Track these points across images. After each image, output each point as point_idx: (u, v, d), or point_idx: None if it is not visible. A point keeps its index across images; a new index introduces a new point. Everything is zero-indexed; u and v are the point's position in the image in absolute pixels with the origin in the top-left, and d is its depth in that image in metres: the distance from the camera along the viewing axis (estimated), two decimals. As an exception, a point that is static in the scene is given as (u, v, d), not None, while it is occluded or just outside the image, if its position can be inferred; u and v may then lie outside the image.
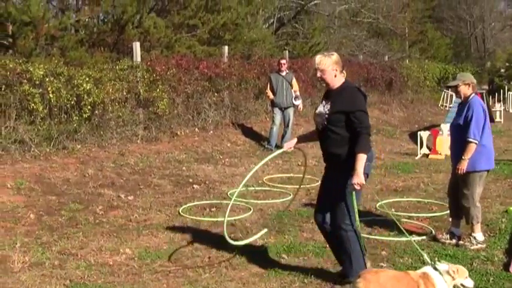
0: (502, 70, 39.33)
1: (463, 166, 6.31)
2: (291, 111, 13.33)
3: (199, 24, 15.84)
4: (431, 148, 13.39)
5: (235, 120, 14.45)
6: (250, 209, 8.03)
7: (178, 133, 12.72)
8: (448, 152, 12.99)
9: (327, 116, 5.08)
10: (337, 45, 26.26)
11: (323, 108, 5.15)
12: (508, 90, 30.62)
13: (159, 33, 14.22)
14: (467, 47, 56.92)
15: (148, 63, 12.33)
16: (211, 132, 13.47)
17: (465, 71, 38.93)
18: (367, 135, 4.96)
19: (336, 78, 5.11)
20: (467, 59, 50.10)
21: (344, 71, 5.19)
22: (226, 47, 15.22)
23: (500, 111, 23.06)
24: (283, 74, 13.24)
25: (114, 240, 6.66)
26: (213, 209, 8.15)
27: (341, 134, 5.03)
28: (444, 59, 41.82)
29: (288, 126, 13.33)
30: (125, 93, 11.52)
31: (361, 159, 4.89)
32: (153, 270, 5.75)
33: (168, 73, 12.50)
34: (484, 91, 22.99)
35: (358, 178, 4.87)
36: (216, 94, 14.05)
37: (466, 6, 53.48)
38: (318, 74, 5.13)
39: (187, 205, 8.29)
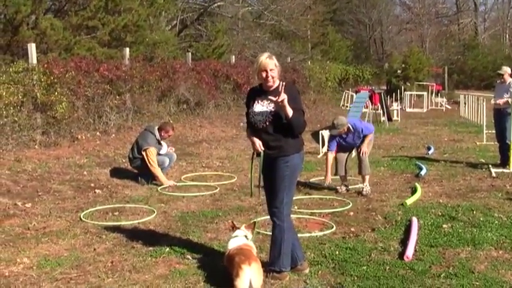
0: (399, 71, 40.74)
1: None
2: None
3: (99, 26, 15.46)
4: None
5: (138, 123, 14.20)
6: (154, 212, 7.89)
7: (79, 137, 12.35)
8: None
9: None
10: (240, 47, 26.47)
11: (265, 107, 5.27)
12: (404, 90, 31.84)
13: (56, 35, 13.76)
14: (367, 49, 58.81)
15: (45, 65, 11.85)
16: (113, 135, 13.18)
17: (365, 72, 40.35)
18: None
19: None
20: (367, 60, 51.80)
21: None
22: (127, 49, 14.94)
23: (397, 110, 23.96)
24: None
25: (10, 250, 6.33)
26: (115, 213, 7.94)
27: (284, 128, 5.22)
28: (345, 60, 43.06)
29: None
30: (20, 97, 11.04)
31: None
32: (53, 278, 5.49)
33: (67, 76, 12.11)
34: (382, 91, 23.73)
35: None
36: (117, 97, 13.75)
37: (365, 10, 55.22)
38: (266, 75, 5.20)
39: (89, 210, 8.05)
